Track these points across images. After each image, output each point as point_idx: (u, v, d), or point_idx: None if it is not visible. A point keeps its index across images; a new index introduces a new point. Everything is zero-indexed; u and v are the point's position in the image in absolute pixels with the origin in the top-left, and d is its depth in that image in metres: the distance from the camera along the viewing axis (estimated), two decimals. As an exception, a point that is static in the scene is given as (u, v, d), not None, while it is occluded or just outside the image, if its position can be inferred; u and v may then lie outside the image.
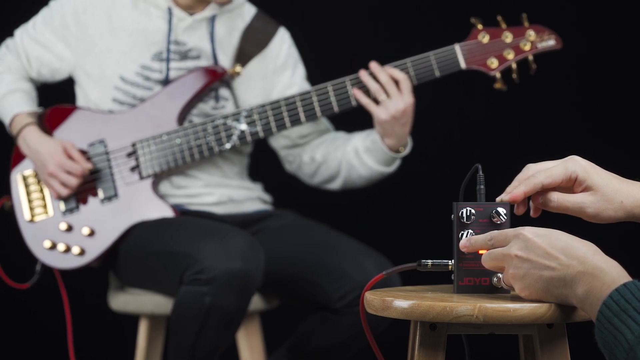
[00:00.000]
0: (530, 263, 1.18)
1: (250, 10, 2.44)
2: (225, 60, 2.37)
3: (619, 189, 1.28)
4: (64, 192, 2.28)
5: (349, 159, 2.35)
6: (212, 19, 2.35)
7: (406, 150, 2.33)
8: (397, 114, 2.24)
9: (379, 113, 2.25)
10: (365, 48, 3.11)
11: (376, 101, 2.27)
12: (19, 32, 2.43)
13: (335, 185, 2.42)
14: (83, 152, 2.33)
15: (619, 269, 1.12)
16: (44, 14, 2.40)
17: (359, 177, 2.36)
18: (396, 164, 2.35)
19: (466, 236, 1.29)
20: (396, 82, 2.26)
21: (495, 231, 1.25)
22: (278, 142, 2.45)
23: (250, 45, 2.39)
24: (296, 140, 2.42)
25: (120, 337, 2.91)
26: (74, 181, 2.27)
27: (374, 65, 2.28)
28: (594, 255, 1.14)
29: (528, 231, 1.19)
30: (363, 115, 2.32)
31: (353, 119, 2.48)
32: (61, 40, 2.37)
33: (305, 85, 2.43)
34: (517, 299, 1.24)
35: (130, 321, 2.56)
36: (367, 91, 2.29)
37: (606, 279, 1.11)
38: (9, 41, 2.44)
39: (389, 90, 2.24)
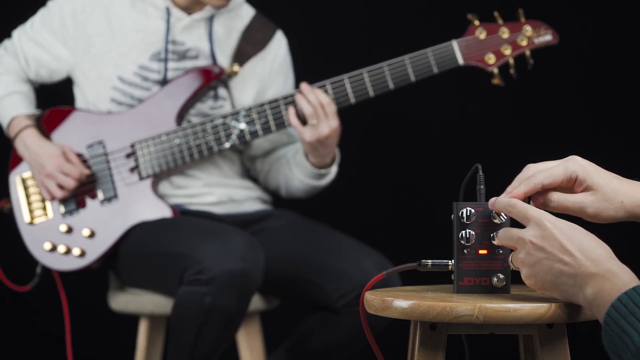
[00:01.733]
0: (543, 252, 1.18)
1: (249, 11, 2.44)
2: (224, 61, 2.37)
3: (619, 188, 1.28)
4: (59, 194, 2.28)
5: (285, 170, 2.37)
6: (210, 19, 2.35)
7: (334, 166, 2.34)
8: (322, 137, 2.25)
9: (304, 135, 2.26)
10: (364, 46, 3.11)
11: (305, 121, 2.27)
12: (17, 33, 2.42)
13: (282, 193, 2.44)
14: (79, 156, 2.33)
15: (631, 274, 1.12)
16: (41, 15, 2.40)
17: (296, 188, 2.39)
18: (328, 178, 2.36)
19: (466, 236, 1.29)
20: (322, 106, 2.26)
21: (518, 201, 1.24)
22: (246, 151, 2.44)
23: (250, 46, 2.39)
24: (259, 154, 2.43)
25: (120, 337, 2.91)
26: (71, 183, 2.27)
27: (304, 87, 2.28)
28: (609, 259, 1.14)
29: (548, 219, 1.19)
30: (360, 114, 2.32)
31: (350, 119, 2.47)
32: (59, 40, 2.36)
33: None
34: (517, 299, 1.24)
35: (130, 321, 2.56)
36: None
37: (617, 282, 1.11)
38: (7, 42, 2.44)
39: (317, 113, 2.25)
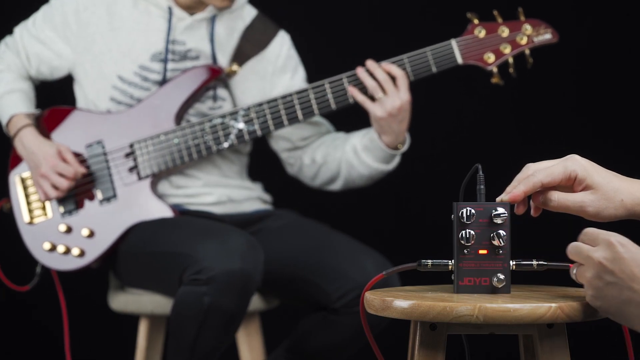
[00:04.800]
0: (613, 276, 1.15)
1: (250, 12, 2.43)
2: (225, 61, 2.37)
3: (619, 187, 1.28)
4: (53, 194, 2.27)
5: (348, 158, 2.34)
6: (212, 20, 2.35)
7: (404, 147, 2.33)
8: (394, 111, 2.24)
9: (375, 110, 2.25)
10: (363, 45, 3.11)
11: (372, 98, 2.27)
12: (19, 30, 2.42)
13: (337, 186, 2.41)
14: (78, 155, 2.32)
15: None
16: (44, 11, 2.40)
17: (360, 176, 2.36)
18: (395, 162, 2.35)
19: (466, 236, 1.29)
20: (393, 79, 2.25)
21: (590, 228, 1.21)
22: (279, 144, 2.44)
23: (249, 46, 2.39)
24: (297, 143, 2.42)
25: (120, 337, 2.91)
26: (65, 184, 2.26)
27: (370, 63, 2.27)
28: None
29: (619, 241, 1.16)
30: (363, 113, 2.31)
31: (353, 118, 2.47)
32: (61, 37, 2.36)
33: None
34: (517, 299, 1.24)
35: (130, 321, 2.56)
36: (362, 88, 2.29)
37: None
38: (8, 39, 2.44)
39: (386, 87, 2.24)
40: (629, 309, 1.14)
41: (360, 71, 2.28)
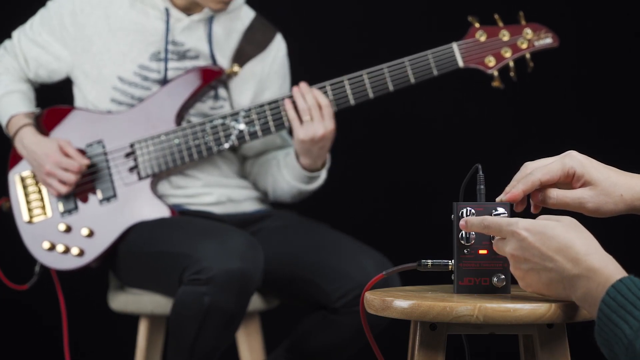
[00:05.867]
0: (527, 263, 1.18)
1: (248, 13, 2.44)
2: (223, 61, 2.37)
3: (618, 182, 1.28)
4: (63, 189, 2.28)
5: (273, 172, 2.37)
6: (209, 20, 2.35)
7: (323, 172, 2.33)
8: (316, 137, 2.25)
9: (299, 132, 2.26)
10: (364, 48, 3.11)
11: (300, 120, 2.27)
12: (17, 34, 2.43)
13: (269, 196, 2.43)
14: (81, 151, 2.33)
15: (612, 265, 1.11)
16: (41, 15, 2.40)
17: (282, 191, 2.38)
18: (317, 183, 2.36)
19: (466, 236, 1.29)
20: (320, 107, 2.26)
21: (490, 218, 1.23)
22: (238, 150, 2.44)
23: (250, 46, 2.39)
24: (250, 155, 2.43)
25: (120, 337, 2.91)
26: (72, 177, 2.27)
27: (303, 86, 2.28)
28: (587, 255, 1.13)
29: (522, 228, 1.18)
30: (360, 116, 2.31)
31: (351, 118, 2.47)
32: (58, 40, 2.37)
33: None
34: (517, 299, 1.24)
35: (130, 321, 2.56)
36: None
37: (599, 279, 1.10)
38: (6, 43, 2.44)
39: (313, 113, 2.25)
40: (553, 286, 1.16)
41: (295, 91, 2.28)
